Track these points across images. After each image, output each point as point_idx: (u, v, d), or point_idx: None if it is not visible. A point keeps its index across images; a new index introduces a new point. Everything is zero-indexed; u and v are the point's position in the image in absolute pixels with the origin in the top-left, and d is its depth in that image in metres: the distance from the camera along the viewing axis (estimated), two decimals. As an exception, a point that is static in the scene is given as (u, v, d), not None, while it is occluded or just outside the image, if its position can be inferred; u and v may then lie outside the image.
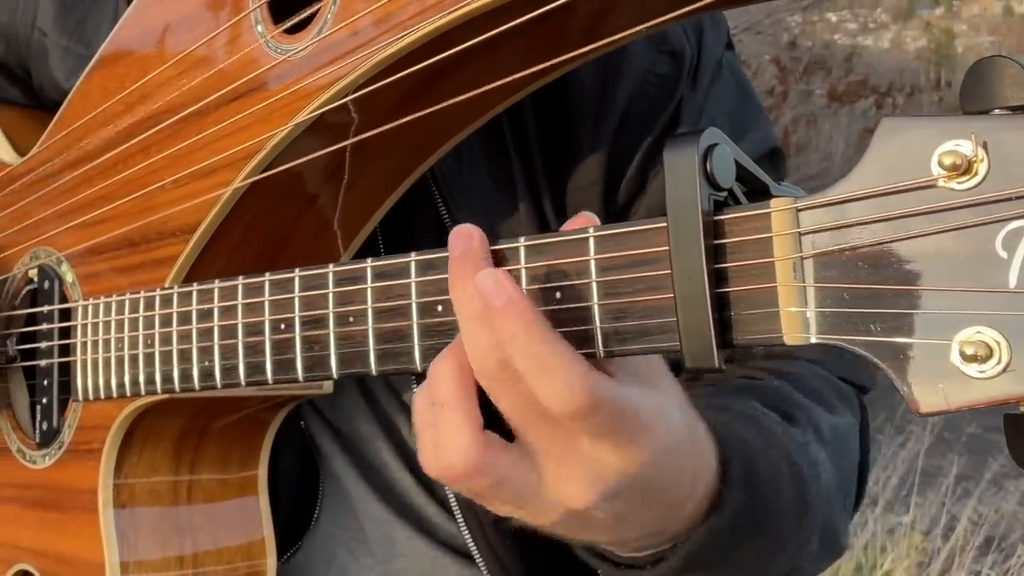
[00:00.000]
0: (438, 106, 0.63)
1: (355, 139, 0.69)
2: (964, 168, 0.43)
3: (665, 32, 0.88)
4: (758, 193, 0.53)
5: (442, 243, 0.84)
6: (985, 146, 0.43)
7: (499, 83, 0.62)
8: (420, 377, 0.87)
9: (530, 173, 0.89)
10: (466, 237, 0.56)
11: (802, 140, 7.26)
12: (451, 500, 0.90)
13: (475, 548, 0.90)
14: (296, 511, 0.95)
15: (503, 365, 0.53)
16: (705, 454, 0.63)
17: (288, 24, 0.72)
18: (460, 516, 0.89)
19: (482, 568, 0.90)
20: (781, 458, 0.71)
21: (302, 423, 0.94)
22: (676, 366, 0.58)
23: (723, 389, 0.81)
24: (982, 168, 0.43)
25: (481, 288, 0.53)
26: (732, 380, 0.84)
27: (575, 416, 0.52)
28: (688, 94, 0.89)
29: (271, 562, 0.90)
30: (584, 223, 0.56)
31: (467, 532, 0.90)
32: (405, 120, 0.65)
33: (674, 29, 0.89)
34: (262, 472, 0.90)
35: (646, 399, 0.55)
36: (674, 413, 0.58)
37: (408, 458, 0.95)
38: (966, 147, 0.43)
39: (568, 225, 0.56)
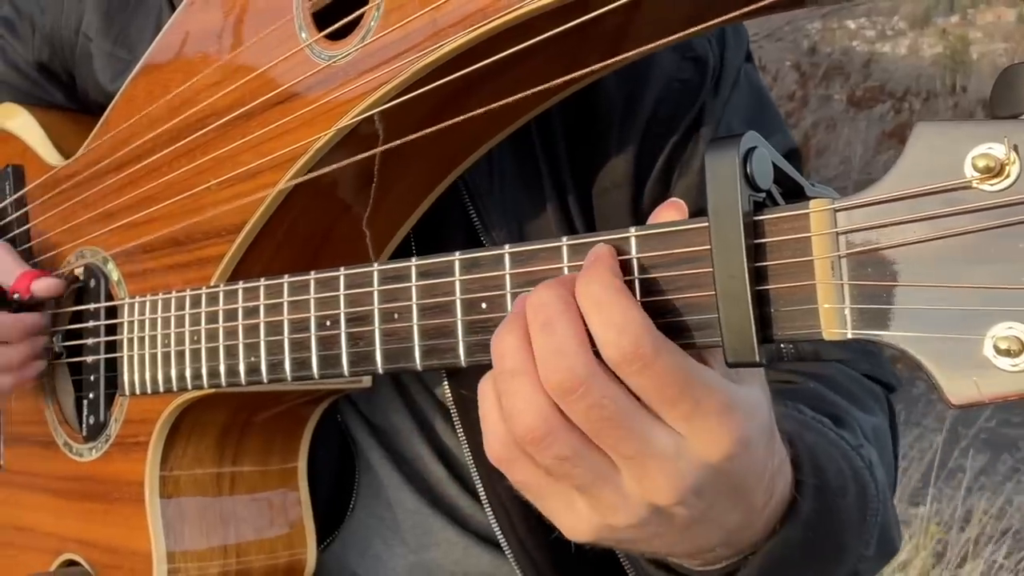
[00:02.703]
0: (474, 112, 0.65)
1: (393, 144, 0.71)
2: (997, 170, 0.45)
3: (690, 40, 0.90)
4: (794, 194, 0.55)
5: (471, 244, 0.86)
6: (1016, 149, 0.45)
7: (533, 91, 0.64)
8: (451, 373, 0.91)
9: (556, 175, 0.91)
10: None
11: (822, 143, 7.33)
12: (480, 491, 0.92)
13: (503, 538, 0.92)
14: (333, 502, 0.97)
15: (573, 375, 0.52)
16: (783, 457, 0.61)
17: (331, 30, 0.74)
18: (489, 509, 0.92)
19: (510, 558, 0.92)
20: (844, 463, 0.71)
21: (339, 417, 0.97)
22: None
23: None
24: (1014, 170, 0.45)
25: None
26: (771, 385, 0.84)
27: (630, 363, 0.50)
28: (710, 100, 0.91)
29: (310, 550, 0.93)
30: (673, 210, 0.56)
31: (495, 522, 0.92)
32: (443, 125, 0.67)
33: (698, 38, 0.91)
34: (302, 464, 0.93)
35: (733, 386, 0.54)
36: (761, 407, 0.56)
37: (441, 450, 0.97)
38: (999, 150, 0.45)
39: (658, 211, 0.56)
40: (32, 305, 0.98)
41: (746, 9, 0.56)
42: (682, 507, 0.54)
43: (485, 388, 0.56)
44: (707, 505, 0.55)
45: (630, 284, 0.55)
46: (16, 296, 0.95)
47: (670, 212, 0.55)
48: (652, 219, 0.56)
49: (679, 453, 0.52)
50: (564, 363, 0.51)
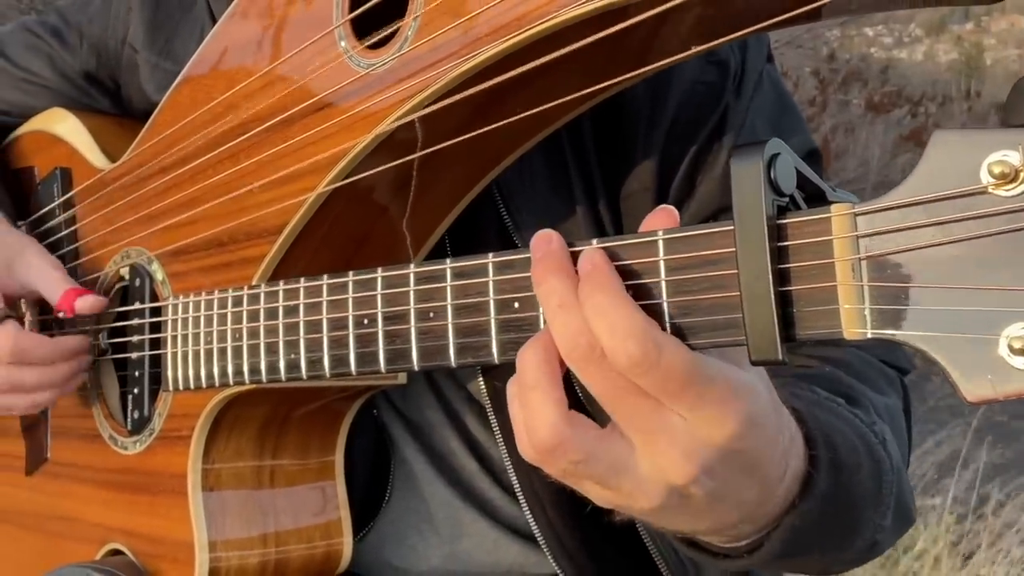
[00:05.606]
0: (507, 120, 0.67)
1: (429, 150, 0.73)
2: (1012, 176, 0.47)
3: None
4: (815, 198, 0.57)
5: (505, 246, 0.88)
6: (1031, 156, 0.47)
7: (564, 99, 0.66)
8: (485, 370, 0.93)
9: (587, 179, 0.93)
10: (546, 240, 0.60)
11: (841, 147, 7.40)
12: (515, 484, 0.94)
13: (537, 529, 0.94)
14: (369, 494, 1.00)
15: (591, 347, 0.55)
16: (793, 434, 0.64)
17: (370, 40, 0.76)
18: (523, 499, 0.94)
19: (544, 549, 0.95)
20: (857, 439, 0.73)
21: (375, 412, 1.00)
22: None
23: (782, 381, 0.84)
24: (1029, 177, 0.47)
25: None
26: (787, 370, 0.86)
27: (638, 366, 0.54)
28: (733, 102, 0.93)
29: (347, 541, 0.96)
30: (663, 216, 0.59)
31: (529, 514, 0.94)
32: (477, 132, 0.69)
33: None
34: (339, 458, 0.96)
35: (733, 372, 0.57)
36: (761, 389, 0.59)
37: (473, 445, 1.00)
38: (1014, 157, 0.47)
39: (649, 218, 0.59)
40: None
41: (769, 22, 0.58)
42: (696, 486, 0.57)
43: (512, 391, 0.60)
44: (721, 483, 0.58)
45: (656, 285, 0.57)
46: (61, 314, 0.99)
47: (661, 220, 0.58)
48: (643, 227, 0.59)
49: (689, 434, 0.56)
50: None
